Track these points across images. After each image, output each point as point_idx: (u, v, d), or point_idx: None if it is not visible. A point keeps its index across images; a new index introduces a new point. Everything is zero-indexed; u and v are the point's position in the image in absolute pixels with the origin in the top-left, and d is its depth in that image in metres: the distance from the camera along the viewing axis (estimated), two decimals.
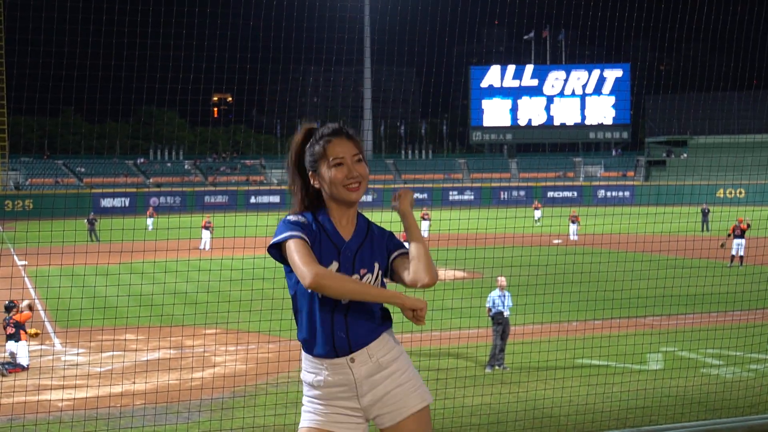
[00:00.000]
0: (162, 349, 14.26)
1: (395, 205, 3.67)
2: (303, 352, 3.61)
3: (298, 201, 3.64)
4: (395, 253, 3.63)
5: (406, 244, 3.69)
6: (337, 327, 3.49)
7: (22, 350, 13.25)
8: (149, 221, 41.37)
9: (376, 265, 3.57)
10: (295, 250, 3.39)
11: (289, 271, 3.51)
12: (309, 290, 3.43)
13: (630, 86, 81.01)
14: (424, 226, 35.50)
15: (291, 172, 3.67)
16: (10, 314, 13.37)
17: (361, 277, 3.52)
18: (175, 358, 13.50)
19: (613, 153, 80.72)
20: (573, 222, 35.26)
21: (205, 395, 11.12)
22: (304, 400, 3.64)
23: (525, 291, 17.55)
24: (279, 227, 3.51)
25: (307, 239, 3.45)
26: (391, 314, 3.71)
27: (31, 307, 13.79)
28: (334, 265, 3.49)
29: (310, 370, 3.58)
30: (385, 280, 3.66)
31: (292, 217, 3.53)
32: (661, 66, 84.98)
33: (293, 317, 3.65)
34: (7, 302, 13.55)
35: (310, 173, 3.58)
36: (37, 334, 13.48)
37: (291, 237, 3.43)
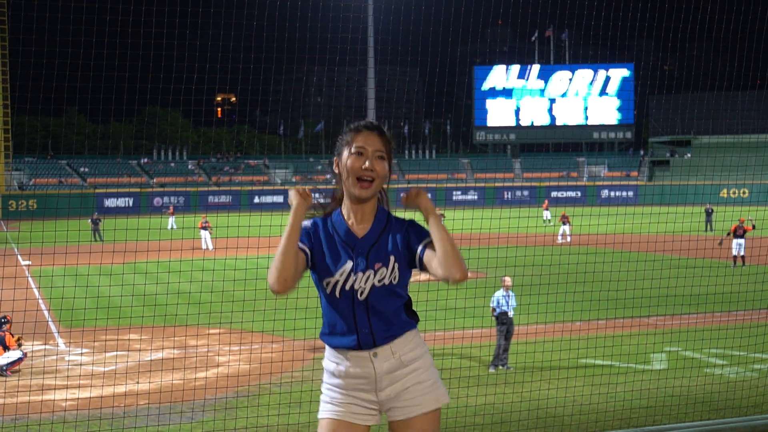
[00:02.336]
0: (166, 349, 14.27)
1: (408, 203, 3.63)
2: (327, 345, 3.66)
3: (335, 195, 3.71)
4: (421, 245, 3.57)
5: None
6: (360, 323, 3.53)
7: (12, 355, 13.18)
8: (171, 220, 41.40)
9: (392, 258, 3.55)
10: None
11: (312, 273, 3.60)
12: (328, 292, 3.53)
13: (634, 86, 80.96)
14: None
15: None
16: (2, 328, 13.33)
17: (375, 272, 3.51)
18: (178, 358, 13.51)
19: (630, 152, 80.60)
20: (564, 223, 35.11)
21: (208, 395, 11.12)
22: (323, 387, 3.68)
23: (529, 291, 17.54)
24: None
25: (304, 245, 3.51)
26: (418, 314, 3.73)
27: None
28: (348, 265, 3.51)
29: (332, 359, 3.63)
30: (414, 273, 3.65)
31: (305, 222, 3.60)
32: (664, 66, 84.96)
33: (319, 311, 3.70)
34: (1, 318, 13.53)
35: (335, 158, 3.64)
36: (19, 339, 13.45)
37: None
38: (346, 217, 3.60)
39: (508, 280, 13.22)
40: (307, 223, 3.59)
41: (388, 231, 3.61)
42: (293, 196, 3.50)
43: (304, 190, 3.53)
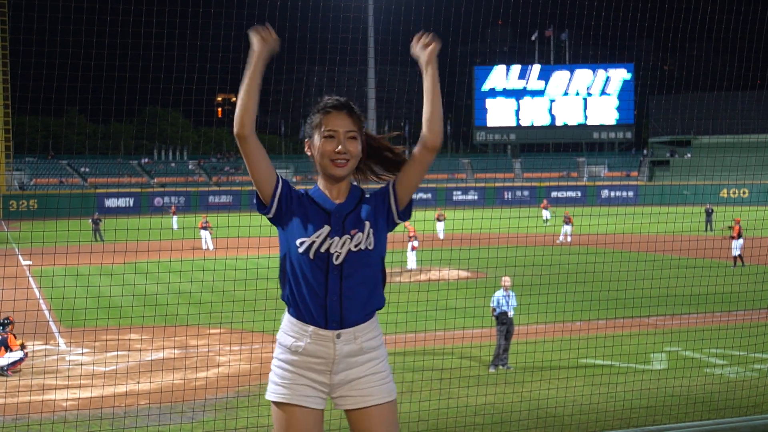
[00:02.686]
0: (166, 348, 14.28)
1: (417, 51, 3.64)
2: (287, 315, 3.60)
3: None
4: (391, 182, 3.65)
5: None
6: (330, 290, 3.49)
7: (14, 356, 13.19)
8: (174, 219, 41.43)
9: (367, 224, 3.56)
10: None
11: (282, 233, 3.58)
12: (300, 253, 3.49)
13: (634, 86, 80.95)
14: (440, 227, 35.44)
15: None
16: (5, 329, 13.33)
17: (352, 237, 3.52)
18: (179, 358, 13.52)
19: (633, 152, 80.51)
20: (566, 223, 35.12)
21: (209, 395, 11.14)
22: (274, 363, 3.61)
23: (529, 291, 17.55)
24: None
25: (280, 182, 3.55)
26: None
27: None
28: (325, 229, 3.51)
29: (291, 333, 3.56)
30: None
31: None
32: (664, 66, 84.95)
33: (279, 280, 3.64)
34: (4, 319, 13.53)
35: (306, 141, 3.64)
36: (23, 344, 13.47)
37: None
38: (323, 190, 3.63)
39: (507, 280, 13.23)
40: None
41: (363, 201, 3.63)
42: (255, 41, 3.49)
43: (267, 32, 3.50)
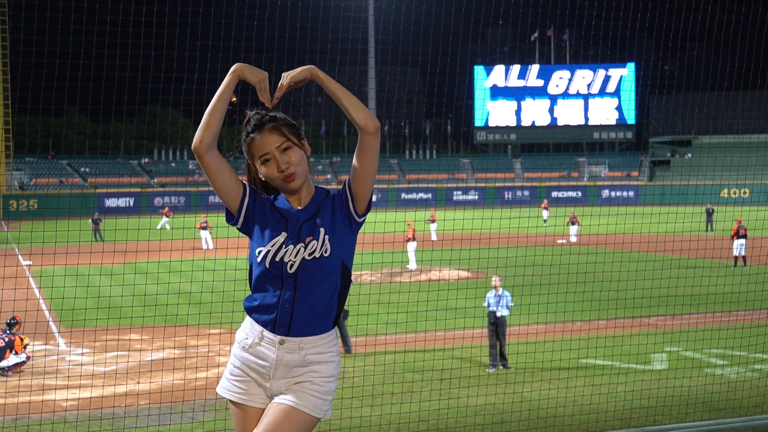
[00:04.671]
0: (166, 348, 14.28)
1: (293, 76, 3.56)
2: (248, 315, 3.62)
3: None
4: (346, 182, 3.62)
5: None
6: (284, 298, 3.48)
7: (16, 359, 13.19)
8: (164, 221, 41.42)
9: (322, 231, 3.52)
10: None
11: (250, 241, 3.59)
12: (258, 261, 3.50)
13: (634, 86, 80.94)
14: (432, 227, 35.45)
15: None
16: (12, 331, 13.33)
17: (306, 245, 3.49)
18: (179, 358, 13.51)
19: (638, 153, 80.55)
20: (573, 223, 35.14)
21: (209, 395, 11.12)
22: (231, 358, 3.63)
23: (529, 291, 17.54)
24: None
25: (248, 193, 3.55)
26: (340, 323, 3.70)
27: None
28: (282, 236, 3.50)
29: (245, 329, 3.59)
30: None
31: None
32: (665, 66, 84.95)
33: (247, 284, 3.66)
34: (10, 319, 13.52)
35: (248, 165, 3.64)
36: (26, 344, 13.46)
37: None
38: (286, 198, 3.62)
39: (496, 280, 13.24)
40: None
41: (324, 206, 3.60)
42: (239, 68, 3.51)
43: (250, 68, 3.52)
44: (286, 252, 3.48)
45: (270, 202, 3.61)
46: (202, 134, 3.43)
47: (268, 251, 3.49)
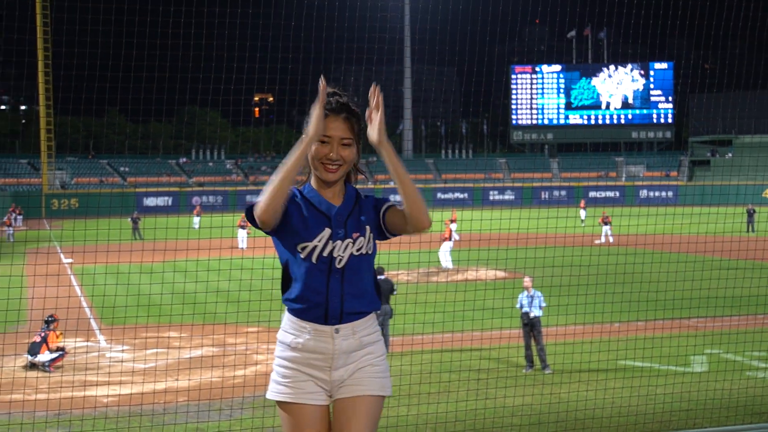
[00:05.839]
0: (204, 346, 14.41)
1: (370, 134, 3.51)
2: (287, 314, 3.61)
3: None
4: (384, 207, 3.61)
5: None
6: (332, 292, 3.51)
7: (54, 354, 13.38)
8: (196, 220, 41.79)
9: (368, 228, 3.58)
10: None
11: (278, 241, 3.58)
12: (303, 258, 3.49)
13: (674, 85, 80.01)
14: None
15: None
16: (49, 327, 13.52)
17: (354, 241, 3.53)
18: (217, 356, 13.63)
19: (680, 154, 79.60)
20: (605, 224, 34.84)
21: (246, 393, 11.21)
22: (275, 363, 3.62)
23: (567, 291, 17.41)
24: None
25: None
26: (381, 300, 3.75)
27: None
28: (326, 232, 3.51)
29: (291, 331, 3.58)
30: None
31: None
32: (705, 65, 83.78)
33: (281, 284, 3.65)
34: (48, 316, 13.72)
35: (303, 136, 3.58)
36: (60, 337, 13.63)
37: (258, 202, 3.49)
38: (317, 190, 3.60)
39: (527, 280, 13.16)
40: None
41: (359, 204, 3.63)
42: (314, 123, 3.41)
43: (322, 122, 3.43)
44: (334, 247, 3.51)
45: (300, 198, 3.58)
46: (270, 208, 3.35)
47: (315, 246, 3.50)
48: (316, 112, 3.43)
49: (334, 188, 3.60)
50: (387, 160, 3.44)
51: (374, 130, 3.46)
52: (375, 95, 3.48)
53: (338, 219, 3.54)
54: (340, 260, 3.52)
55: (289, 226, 3.51)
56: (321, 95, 3.45)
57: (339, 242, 3.52)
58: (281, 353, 3.61)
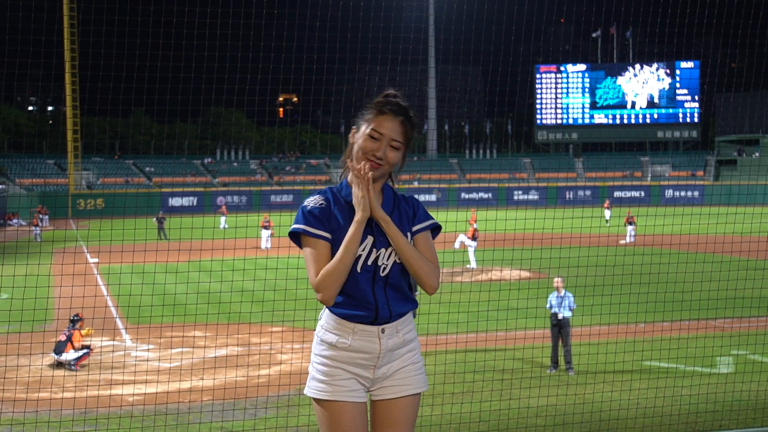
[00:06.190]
0: (229, 346, 14.49)
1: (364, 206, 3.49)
2: (329, 313, 3.58)
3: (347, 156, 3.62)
4: (417, 227, 3.62)
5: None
6: (380, 298, 3.52)
7: (78, 352, 13.48)
8: (222, 219, 42.01)
9: (408, 235, 3.58)
10: (307, 254, 3.47)
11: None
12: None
13: (700, 84, 79.33)
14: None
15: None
16: (75, 326, 13.62)
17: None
18: (241, 356, 13.70)
19: (706, 154, 78.98)
20: (630, 224, 34.64)
21: (271, 392, 11.25)
22: (315, 360, 3.60)
23: (591, 291, 17.33)
24: (297, 214, 3.53)
25: (322, 232, 3.47)
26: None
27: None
28: (369, 240, 3.49)
29: (334, 331, 3.56)
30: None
31: (311, 203, 3.52)
32: (732, 63, 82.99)
33: None
34: (74, 315, 13.84)
35: (353, 128, 3.59)
36: (86, 335, 13.72)
37: (305, 233, 3.47)
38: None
39: (558, 281, 13.09)
40: (319, 199, 3.54)
41: (398, 208, 3.61)
42: (361, 205, 3.42)
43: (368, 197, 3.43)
44: (378, 255, 3.52)
45: (340, 201, 3.55)
46: (331, 291, 3.44)
47: (360, 256, 3.49)
48: (360, 193, 3.43)
49: (374, 186, 3.55)
50: (385, 232, 3.49)
51: (363, 208, 3.44)
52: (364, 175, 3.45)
53: (379, 227, 3.52)
54: (384, 268, 3.52)
55: (333, 236, 3.49)
56: (364, 181, 3.44)
57: (383, 250, 3.52)
58: (323, 351, 3.59)
